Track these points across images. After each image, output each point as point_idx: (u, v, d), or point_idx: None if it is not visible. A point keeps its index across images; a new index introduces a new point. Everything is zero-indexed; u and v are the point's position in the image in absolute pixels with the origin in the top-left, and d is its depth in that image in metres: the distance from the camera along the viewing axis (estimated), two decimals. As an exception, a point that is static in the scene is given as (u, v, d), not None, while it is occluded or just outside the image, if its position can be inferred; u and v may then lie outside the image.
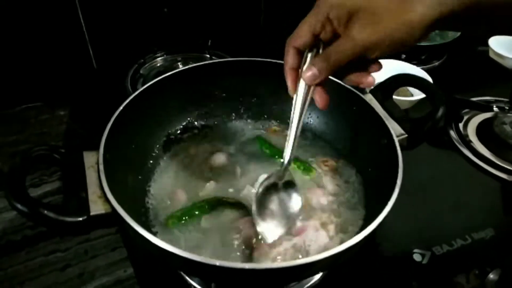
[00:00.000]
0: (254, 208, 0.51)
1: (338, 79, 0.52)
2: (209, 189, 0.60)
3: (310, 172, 0.63)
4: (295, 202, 0.53)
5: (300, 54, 0.47)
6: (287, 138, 0.49)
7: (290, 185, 0.53)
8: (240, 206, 0.58)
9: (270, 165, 0.63)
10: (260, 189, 0.52)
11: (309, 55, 0.46)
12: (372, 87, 0.60)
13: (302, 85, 0.47)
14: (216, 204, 0.57)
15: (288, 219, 0.52)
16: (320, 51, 0.45)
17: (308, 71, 0.45)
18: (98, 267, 0.61)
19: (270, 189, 0.53)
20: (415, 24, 0.40)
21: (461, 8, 0.40)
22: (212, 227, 0.55)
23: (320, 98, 0.47)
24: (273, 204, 0.53)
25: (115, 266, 0.61)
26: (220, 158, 0.65)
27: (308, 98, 0.47)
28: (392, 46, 0.42)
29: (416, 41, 0.42)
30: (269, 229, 0.51)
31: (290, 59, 0.47)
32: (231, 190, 0.60)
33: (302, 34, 0.45)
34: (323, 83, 0.46)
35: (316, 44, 0.45)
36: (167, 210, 0.57)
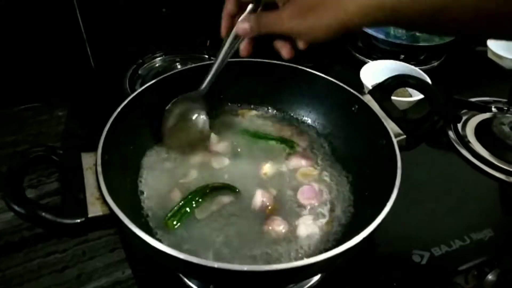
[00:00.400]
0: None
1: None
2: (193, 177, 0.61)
3: (292, 148, 0.66)
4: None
5: (239, 4, 0.53)
6: (211, 67, 0.59)
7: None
8: (228, 188, 0.58)
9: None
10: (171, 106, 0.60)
11: (249, 7, 0.52)
12: (371, 88, 0.60)
13: (233, 32, 0.53)
14: (205, 192, 0.57)
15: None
16: (259, 10, 0.51)
17: (242, 24, 0.51)
18: (97, 268, 0.61)
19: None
20: (333, 27, 0.44)
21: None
22: (208, 216, 0.56)
23: (244, 48, 0.54)
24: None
25: (114, 267, 0.61)
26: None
27: (236, 46, 0.55)
28: (316, 39, 0.46)
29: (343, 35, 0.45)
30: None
31: (229, 4, 0.53)
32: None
33: None
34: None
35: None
36: (165, 211, 0.57)
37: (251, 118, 0.71)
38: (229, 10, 0.54)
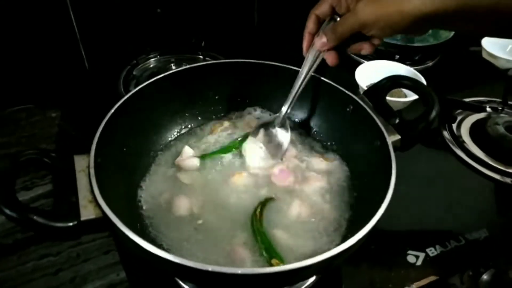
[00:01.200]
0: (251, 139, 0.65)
1: (344, 49, 0.57)
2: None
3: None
4: (284, 139, 0.65)
5: (319, 22, 0.57)
6: (291, 90, 0.61)
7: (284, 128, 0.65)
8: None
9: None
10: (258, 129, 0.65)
11: (324, 23, 0.56)
12: (366, 88, 0.60)
13: (313, 49, 0.57)
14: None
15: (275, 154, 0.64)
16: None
17: (319, 39, 0.55)
18: (91, 270, 0.60)
19: (266, 129, 0.66)
20: (405, 15, 0.47)
21: (454, 7, 0.46)
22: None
23: (329, 57, 0.57)
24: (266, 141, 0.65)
25: (108, 270, 0.61)
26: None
27: (317, 60, 0.58)
28: (385, 29, 0.49)
29: (407, 30, 0.49)
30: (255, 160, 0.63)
31: (310, 24, 0.57)
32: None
33: (323, 4, 0.55)
34: (333, 49, 0.56)
35: (333, 16, 0.55)
36: (161, 213, 0.56)
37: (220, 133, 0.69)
38: (310, 29, 0.57)
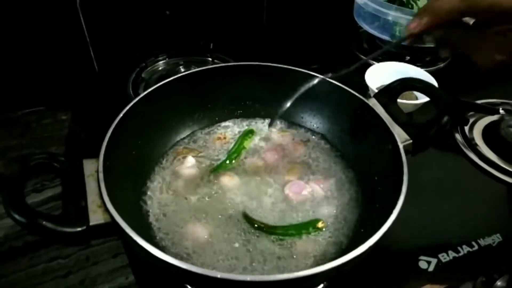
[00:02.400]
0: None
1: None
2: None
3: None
4: None
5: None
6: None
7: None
8: None
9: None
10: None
11: None
12: (376, 91, 0.59)
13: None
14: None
15: None
16: None
17: (413, 22, 0.48)
18: (100, 273, 0.60)
19: None
20: None
21: None
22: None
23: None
24: None
25: (117, 273, 0.61)
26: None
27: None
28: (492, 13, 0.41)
29: None
30: None
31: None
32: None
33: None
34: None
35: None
36: (170, 219, 0.56)
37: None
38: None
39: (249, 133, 0.69)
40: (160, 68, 0.97)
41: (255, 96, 0.71)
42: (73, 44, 0.90)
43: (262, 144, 0.69)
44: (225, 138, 0.69)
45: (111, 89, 0.93)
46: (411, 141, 0.56)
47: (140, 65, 0.95)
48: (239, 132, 0.70)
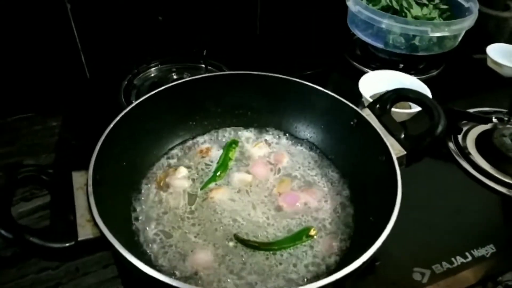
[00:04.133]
0: None
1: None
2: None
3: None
4: None
5: None
6: None
7: None
8: None
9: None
10: None
11: None
12: (369, 99, 0.58)
13: None
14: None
15: None
16: None
17: None
18: (90, 285, 0.59)
19: None
20: None
21: None
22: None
23: None
24: None
25: (107, 284, 0.59)
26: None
27: None
28: None
29: None
30: None
31: None
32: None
33: None
34: None
35: None
36: (160, 233, 0.55)
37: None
38: None
39: (233, 143, 0.69)
40: (152, 75, 0.96)
41: (248, 105, 0.70)
42: (64, 49, 0.89)
43: (253, 154, 0.68)
44: (212, 149, 0.69)
45: (102, 96, 0.91)
46: (405, 152, 0.56)
47: (132, 71, 0.94)
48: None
